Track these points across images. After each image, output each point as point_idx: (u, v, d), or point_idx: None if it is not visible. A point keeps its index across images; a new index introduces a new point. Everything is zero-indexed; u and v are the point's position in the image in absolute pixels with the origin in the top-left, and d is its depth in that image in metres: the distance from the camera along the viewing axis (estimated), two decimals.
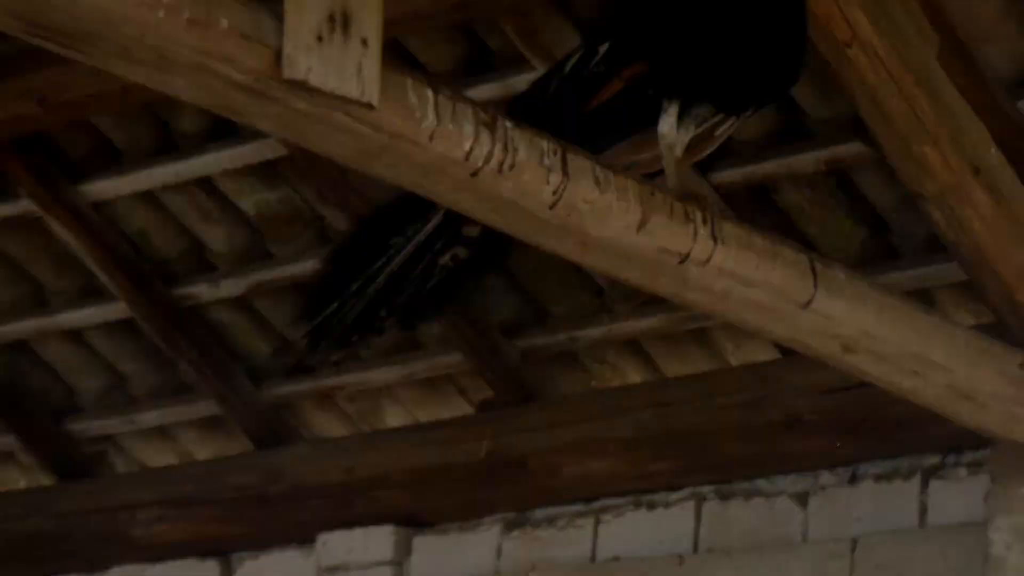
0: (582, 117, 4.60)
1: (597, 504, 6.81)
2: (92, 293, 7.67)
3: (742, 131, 6.10)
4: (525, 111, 4.62)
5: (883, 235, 6.28)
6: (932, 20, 5.28)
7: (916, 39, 5.09)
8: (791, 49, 4.51)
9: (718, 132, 4.70)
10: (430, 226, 4.66)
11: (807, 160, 6.09)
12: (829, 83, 5.77)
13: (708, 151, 4.77)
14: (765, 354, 6.62)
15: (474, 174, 4.05)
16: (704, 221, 4.49)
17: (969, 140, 5.19)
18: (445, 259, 4.74)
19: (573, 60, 4.61)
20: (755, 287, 4.63)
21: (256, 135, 6.75)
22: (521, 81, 6.00)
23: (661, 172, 4.72)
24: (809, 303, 4.72)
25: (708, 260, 4.50)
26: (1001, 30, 5.59)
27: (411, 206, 4.64)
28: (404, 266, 4.70)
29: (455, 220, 4.63)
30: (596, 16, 4.96)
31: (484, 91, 6.15)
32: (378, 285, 4.70)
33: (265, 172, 7.07)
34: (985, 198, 5.23)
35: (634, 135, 4.66)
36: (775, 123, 6.15)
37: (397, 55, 5.71)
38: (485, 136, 4.03)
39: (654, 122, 4.56)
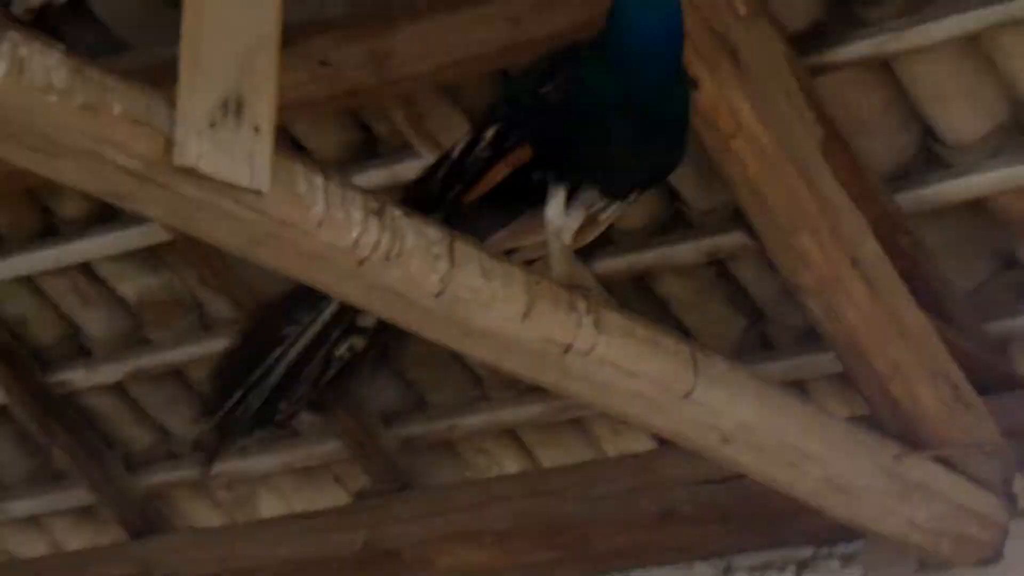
0: (469, 202, 4.62)
1: None
2: None
3: (624, 221, 6.14)
4: (416, 197, 4.65)
5: (761, 325, 6.32)
6: (816, 113, 5.35)
7: (800, 131, 5.14)
8: (673, 135, 4.55)
9: (601, 218, 4.71)
10: (325, 316, 4.66)
11: (688, 250, 6.12)
12: (710, 174, 5.81)
13: (591, 237, 4.79)
14: (642, 444, 6.62)
15: (361, 263, 4.02)
16: (588, 311, 4.47)
17: (848, 231, 5.22)
18: (342, 350, 4.73)
19: (461, 146, 4.63)
20: (637, 378, 4.61)
21: (139, 220, 6.70)
22: (408, 168, 6.04)
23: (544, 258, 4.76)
24: (689, 394, 4.71)
25: (591, 351, 4.48)
26: (881, 124, 5.66)
27: (306, 295, 4.62)
28: (301, 357, 4.69)
29: (350, 310, 4.63)
30: (484, 104, 4.99)
31: (371, 177, 6.18)
32: (276, 377, 4.69)
33: (147, 257, 7.02)
34: (862, 290, 5.26)
35: (520, 220, 4.68)
36: (657, 213, 6.18)
37: (283, 140, 5.71)
38: (373, 224, 4.01)
39: (538, 206, 4.58)
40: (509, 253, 4.61)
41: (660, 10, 4.46)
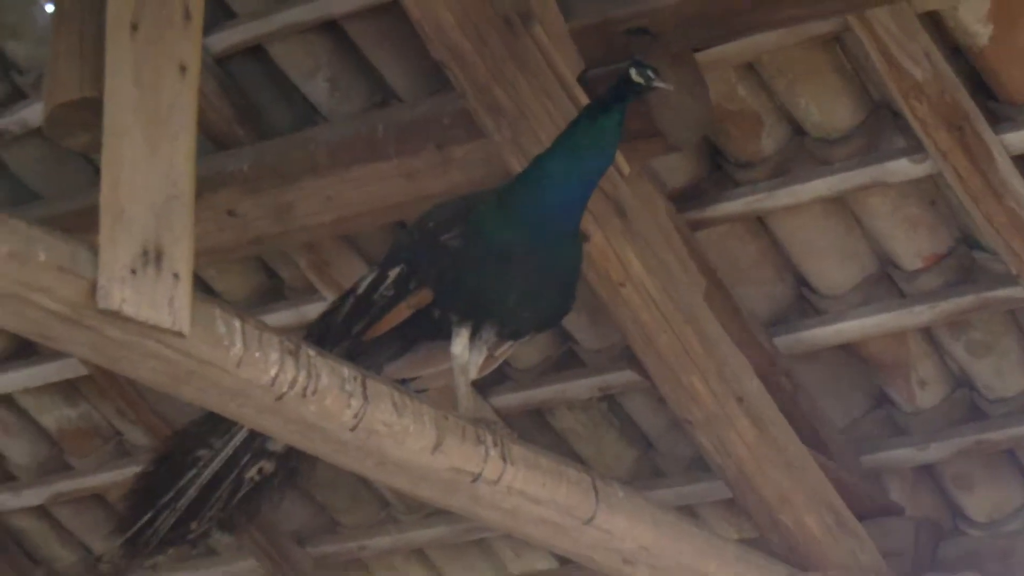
0: (372, 336, 4.53)
1: None
2: None
3: (521, 359, 6.11)
4: (321, 330, 4.54)
5: (652, 455, 6.27)
6: (698, 264, 5.34)
7: (684, 280, 5.11)
8: (567, 284, 4.50)
9: (497, 354, 4.64)
10: (236, 440, 4.52)
11: (581, 386, 6.07)
12: (600, 316, 5.79)
13: (487, 371, 4.71)
14: (543, 563, 6.57)
15: (279, 398, 3.92)
16: (494, 443, 4.40)
17: (732, 372, 5.19)
18: (252, 472, 4.61)
19: (367, 282, 4.55)
20: (542, 504, 4.52)
21: (57, 355, 6.61)
22: (312, 309, 5.94)
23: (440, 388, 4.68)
24: (592, 519, 4.62)
25: (499, 480, 4.39)
26: (758, 273, 5.67)
27: (219, 421, 4.50)
28: (213, 479, 4.55)
29: (259, 436, 4.51)
30: (383, 249, 4.97)
31: (278, 319, 6.07)
32: (189, 497, 4.55)
33: (65, 390, 6.90)
34: (748, 425, 5.22)
35: (415, 352, 4.57)
36: (551, 352, 6.13)
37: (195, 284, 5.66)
38: (290, 363, 3.91)
39: (433, 340, 4.48)
40: (403, 382, 4.49)
41: (581, 182, 4.40)
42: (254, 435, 4.48)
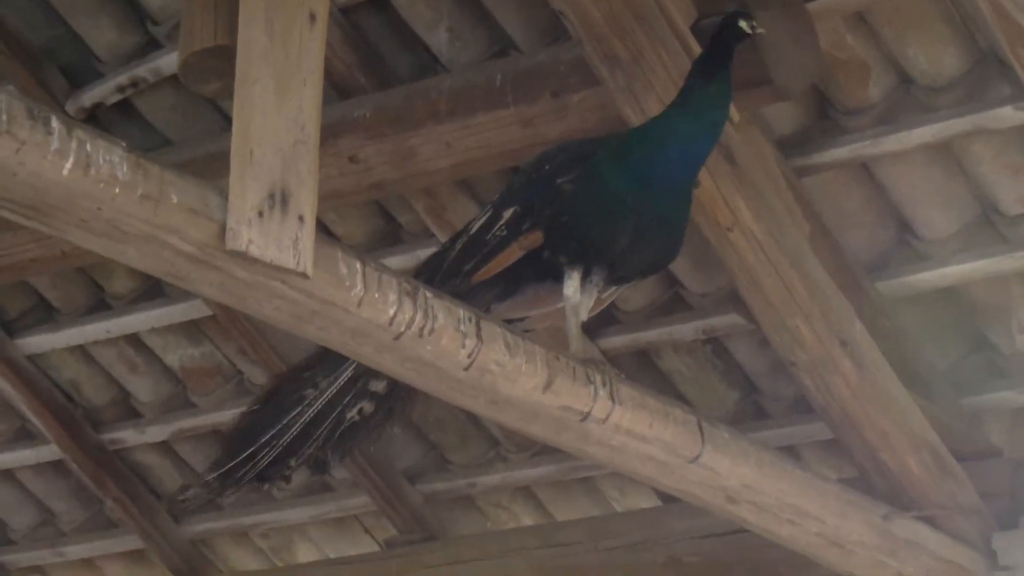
0: (482, 276, 4.54)
1: None
2: (25, 436, 7.53)
3: (629, 302, 6.11)
4: (433, 268, 4.57)
5: (754, 397, 6.27)
6: (803, 209, 5.31)
7: (790, 225, 5.07)
8: (675, 232, 4.49)
9: (604, 296, 4.64)
10: (341, 381, 4.56)
11: (687, 329, 6.07)
12: (706, 261, 5.78)
13: (595, 312, 4.71)
14: (647, 501, 6.58)
15: (397, 338, 3.96)
16: (603, 383, 4.42)
17: (836, 316, 5.17)
18: (352, 413, 4.64)
19: (480, 222, 4.56)
20: (649, 443, 4.55)
21: (182, 296, 6.70)
22: (429, 253, 5.93)
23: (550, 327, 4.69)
24: (697, 458, 4.65)
25: (607, 418, 4.42)
26: (862, 219, 5.63)
27: (325, 361, 4.55)
28: (316, 417, 4.59)
29: (363, 376, 4.55)
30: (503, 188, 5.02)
31: (395, 262, 6.10)
32: (292, 434, 4.59)
33: (189, 330, 7.00)
34: (851, 367, 5.20)
35: (522, 294, 4.58)
36: (658, 296, 6.13)
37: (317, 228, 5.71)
38: (408, 304, 3.95)
39: (539, 283, 4.50)
40: (508, 322, 4.47)
41: (704, 139, 4.41)
42: (358, 376, 4.52)
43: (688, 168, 4.43)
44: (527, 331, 4.56)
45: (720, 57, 4.37)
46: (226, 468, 4.61)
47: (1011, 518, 5.68)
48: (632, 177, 4.35)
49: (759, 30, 4.38)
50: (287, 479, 4.69)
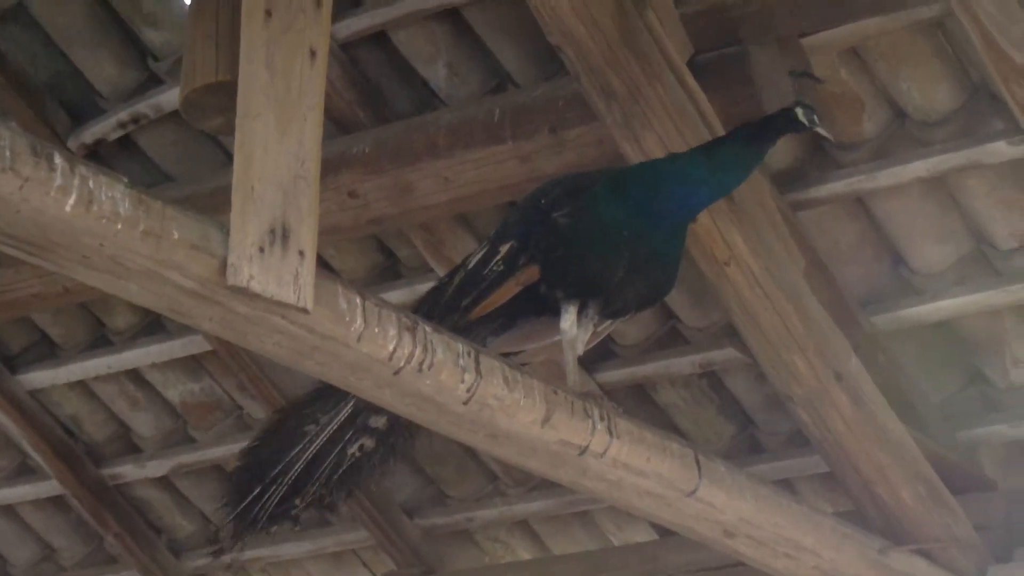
0: (480, 313, 4.54)
1: None
2: (26, 472, 7.51)
3: (626, 336, 6.11)
4: (430, 304, 4.55)
5: (750, 430, 6.26)
6: (799, 244, 5.31)
7: (786, 260, 5.07)
8: (671, 267, 4.49)
9: (599, 329, 4.63)
10: (341, 416, 4.54)
11: (683, 363, 6.07)
12: (702, 295, 5.78)
13: (589, 346, 4.71)
14: (644, 536, 6.56)
15: (396, 372, 3.94)
16: (601, 417, 4.40)
17: (832, 350, 5.17)
18: (354, 449, 4.63)
19: (477, 257, 4.56)
20: (646, 477, 4.53)
21: (183, 332, 6.69)
22: (427, 288, 5.94)
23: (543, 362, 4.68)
24: (694, 492, 4.62)
25: (605, 452, 4.40)
26: (857, 253, 5.64)
27: (324, 397, 4.53)
28: (318, 454, 4.56)
29: (363, 412, 4.53)
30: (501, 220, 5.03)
31: (394, 297, 6.10)
32: (295, 472, 4.58)
33: (189, 365, 6.98)
34: (846, 402, 5.19)
35: (517, 328, 4.56)
36: (655, 330, 6.12)
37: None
38: (407, 338, 3.93)
39: (539, 315, 4.48)
40: (505, 356, 4.44)
41: (711, 193, 4.43)
42: (357, 412, 4.50)
43: (686, 211, 4.43)
44: (523, 364, 4.55)
45: (767, 133, 4.38)
46: (240, 509, 4.57)
47: (1006, 551, 5.67)
48: (628, 211, 4.35)
49: (818, 129, 4.38)
50: (295, 519, 4.66)
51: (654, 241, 4.37)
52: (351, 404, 4.49)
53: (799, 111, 4.40)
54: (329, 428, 4.52)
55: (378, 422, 4.55)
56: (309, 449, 4.53)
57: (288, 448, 4.54)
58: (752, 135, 4.39)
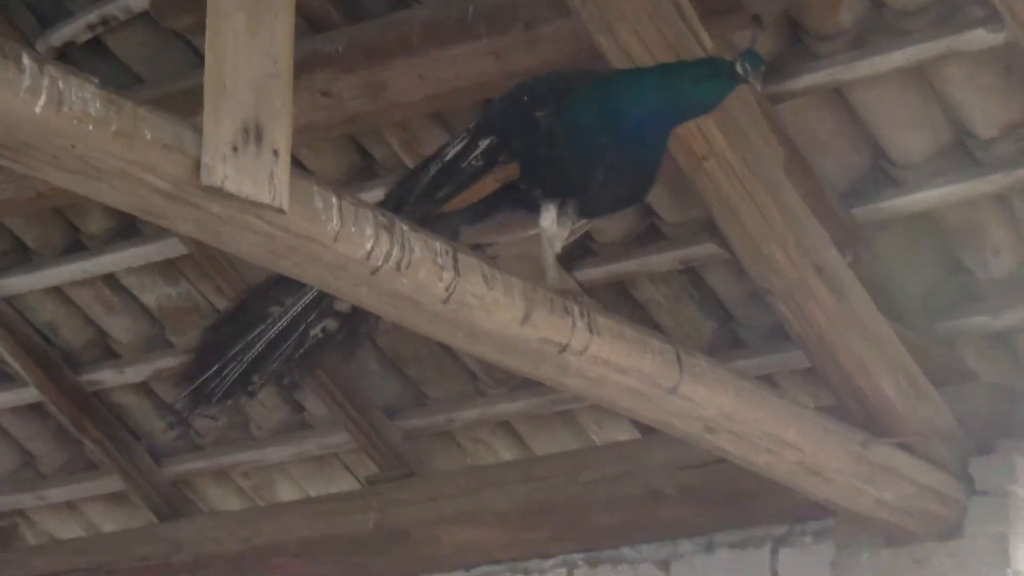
0: (455, 206, 4.54)
1: (477, 571, 6.70)
2: (3, 379, 7.50)
3: (604, 233, 6.11)
4: (404, 192, 4.56)
5: (731, 326, 6.27)
6: (777, 136, 5.31)
7: (764, 152, 5.07)
8: (652, 169, 4.50)
9: (575, 227, 4.64)
10: (306, 299, 4.56)
11: (663, 260, 6.06)
12: (681, 190, 5.77)
13: (566, 243, 4.72)
14: (626, 434, 6.59)
15: (374, 272, 3.96)
16: (581, 314, 4.43)
17: (811, 242, 5.18)
18: (316, 330, 4.65)
19: (455, 149, 4.55)
20: (627, 374, 4.57)
21: (158, 235, 6.67)
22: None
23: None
24: (676, 388, 4.67)
25: (585, 350, 4.43)
26: (835, 145, 5.63)
27: (290, 281, 4.52)
28: (280, 334, 4.60)
29: (328, 295, 4.52)
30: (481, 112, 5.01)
31: (369, 197, 6.01)
32: (256, 351, 4.60)
33: (166, 269, 6.96)
34: (827, 294, 5.20)
35: (491, 219, 4.57)
36: (634, 226, 6.11)
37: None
38: (384, 237, 3.95)
39: (515, 208, 4.50)
40: (475, 247, 4.51)
41: (673, 118, 4.47)
42: (323, 295, 4.51)
43: (657, 129, 4.45)
44: (494, 256, 4.57)
45: (723, 76, 4.40)
46: (196, 384, 4.61)
47: (988, 443, 5.69)
48: (606, 119, 4.37)
49: (753, 82, 4.39)
50: (252, 394, 4.69)
51: (634, 146, 4.39)
52: (316, 287, 4.49)
53: (738, 63, 4.39)
54: (293, 310, 4.55)
55: (342, 306, 4.59)
56: (272, 329, 4.57)
57: (250, 328, 4.58)
58: (713, 70, 4.42)
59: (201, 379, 4.62)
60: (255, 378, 4.64)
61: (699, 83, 4.40)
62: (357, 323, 4.68)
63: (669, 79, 4.42)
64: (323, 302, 4.56)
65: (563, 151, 4.37)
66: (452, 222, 4.51)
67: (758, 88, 4.48)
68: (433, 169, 4.55)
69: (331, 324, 4.63)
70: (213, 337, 4.67)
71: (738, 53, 4.43)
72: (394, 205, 4.47)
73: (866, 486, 5.33)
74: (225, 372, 4.58)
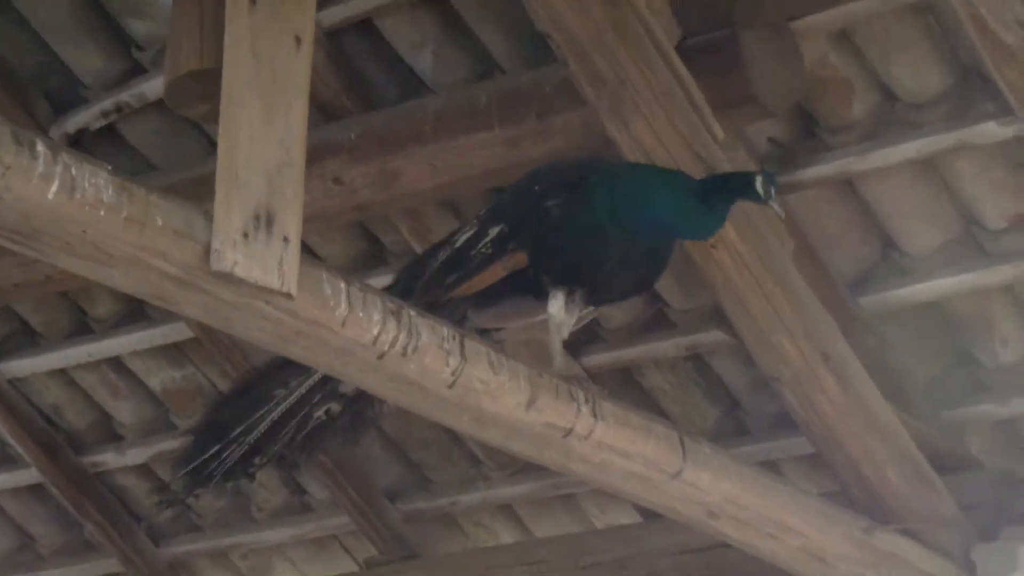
0: (464, 292, 4.55)
1: None
2: (6, 460, 7.50)
3: (612, 320, 6.12)
4: (412, 277, 4.57)
5: (736, 413, 6.27)
6: (787, 226, 5.31)
7: (774, 243, 5.09)
8: (661, 261, 4.52)
9: (583, 314, 4.65)
10: (311, 381, 4.55)
11: (669, 347, 6.07)
12: (688, 278, 5.78)
13: (573, 330, 4.72)
14: (628, 518, 6.57)
15: (381, 357, 3.97)
16: (586, 400, 4.43)
17: (819, 332, 5.19)
18: (320, 412, 4.65)
19: (465, 236, 4.57)
20: (631, 459, 4.56)
21: (164, 319, 6.68)
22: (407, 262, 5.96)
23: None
24: (679, 473, 4.66)
25: (590, 435, 4.43)
26: (846, 236, 5.64)
27: (295, 362, 4.53)
28: (284, 416, 4.58)
29: (333, 378, 4.52)
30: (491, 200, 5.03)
31: (378, 283, 6.04)
32: (259, 432, 4.59)
33: (171, 353, 6.97)
34: (833, 383, 5.22)
35: (499, 306, 4.57)
36: (641, 313, 6.12)
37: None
38: (391, 323, 3.96)
39: (523, 295, 4.50)
40: (484, 332, 4.53)
41: (675, 232, 4.48)
42: (328, 377, 4.50)
43: (664, 235, 4.47)
44: (500, 341, 4.58)
45: (727, 192, 4.42)
46: (194, 464, 4.60)
47: (991, 530, 5.68)
48: (616, 217, 4.38)
49: (772, 203, 4.40)
50: (252, 476, 4.68)
51: (645, 241, 4.40)
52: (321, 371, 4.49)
53: (758, 180, 4.41)
54: (298, 392, 4.54)
55: (347, 388, 4.58)
56: (276, 411, 4.56)
57: (255, 409, 4.57)
58: (716, 188, 4.43)
59: (201, 459, 4.60)
60: (256, 460, 4.63)
61: (706, 200, 4.43)
62: (361, 407, 4.68)
63: (681, 195, 4.43)
64: (327, 385, 4.55)
65: (571, 242, 4.39)
66: (459, 307, 4.52)
67: (777, 209, 4.48)
68: (442, 255, 4.56)
69: (335, 407, 4.63)
70: (215, 417, 4.67)
71: (754, 174, 4.44)
72: (402, 290, 4.49)
73: (869, 572, 5.30)
74: (226, 453, 4.57)
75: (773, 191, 4.41)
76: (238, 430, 4.56)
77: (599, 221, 4.37)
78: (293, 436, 4.62)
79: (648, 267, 4.49)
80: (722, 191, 4.44)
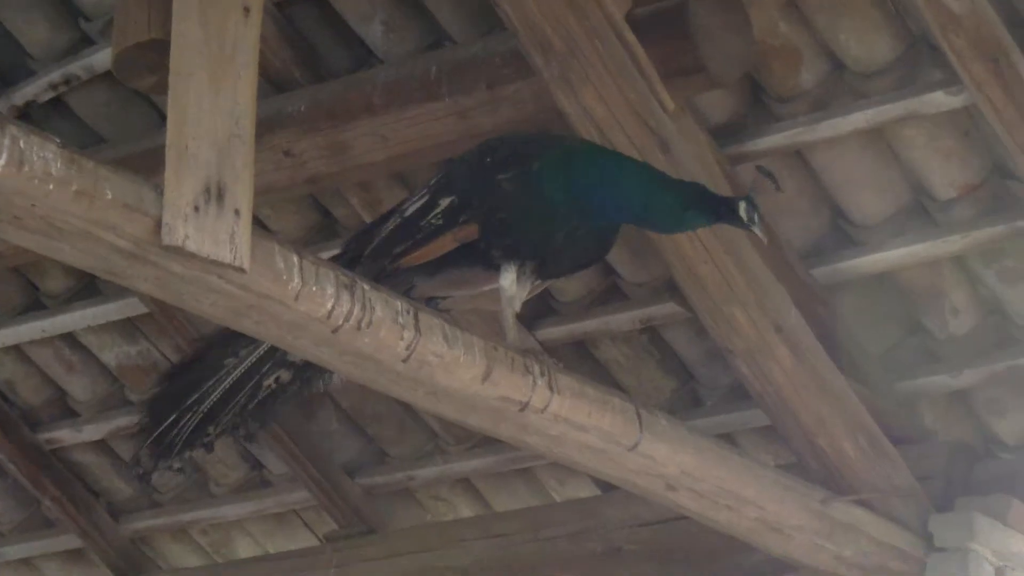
0: (412, 262, 4.53)
1: None
2: None
3: (566, 293, 6.12)
4: (360, 245, 4.55)
5: (690, 385, 6.28)
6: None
7: None
8: (610, 234, 4.51)
9: (533, 287, 4.64)
10: (260, 350, 4.54)
11: (624, 319, 6.06)
12: (643, 250, 5.79)
13: (524, 300, 4.72)
14: (586, 491, 6.58)
15: (335, 331, 3.94)
16: (542, 373, 4.42)
17: (772, 303, 5.18)
18: (270, 381, 4.63)
19: (415, 206, 4.54)
20: (588, 432, 4.55)
21: (118, 295, 6.65)
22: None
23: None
24: (636, 446, 4.65)
25: (545, 408, 4.41)
26: (796, 206, 5.65)
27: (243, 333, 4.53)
28: (235, 385, 4.57)
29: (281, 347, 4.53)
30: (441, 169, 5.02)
31: (329, 256, 6.06)
32: (211, 402, 4.57)
33: (125, 328, 6.95)
34: (787, 354, 5.22)
35: (446, 273, 4.54)
36: (595, 286, 6.12)
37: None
38: (345, 297, 3.93)
39: (472, 265, 4.48)
40: (430, 300, 4.51)
41: (637, 219, 4.47)
42: (276, 347, 4.49)
43: (623, 218, 4.45)
44: (446, 310, 4.55)
45: (708, 210, 4.42)
46: (156, 434, 4.58)
47: (947, 500, 5.71)
48: (570, 194, 4.37)
49: (754, 228, 4.40)
50: (209, 446, 4.66)
51: (597, 220, 4.39)
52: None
53: (742, 206, 4.41)
54: (248, 361, 4.52)
55: (296, 357, 4.55)
56: (227, 380, 4.54)
57: (206, 378, 4.55)
58: (696, 202, 4.42)
59: (159, 430, 4.59)
60: (210, 429, 4.62)
61: (684, 211, 4.42)
62: (311, 374, 4.66)
63: (656, 192, 4.42)
64: (276, 353, 4.54)
65: (522, 217, 4.37)
66: (407, 276, 4.50)
67: (760, 235, 4.47)
68: (391, 224, 4.53)
69: (285, 375, 4.62)
70: (169, 388, 4.65)
71: (738, 200, 4.43)
72: (350, 258, 4.47)
73: (826, 543, 5.32)
74: (183, 422, 4.56)
75: (756, 217, 4.41)
76: (191, 399, 4.55)
77: (553, 199, 4.35)
78: (245, 404, 4.60)
79: (597, 244, 4.48)
80: (704, 207, 4.43)
